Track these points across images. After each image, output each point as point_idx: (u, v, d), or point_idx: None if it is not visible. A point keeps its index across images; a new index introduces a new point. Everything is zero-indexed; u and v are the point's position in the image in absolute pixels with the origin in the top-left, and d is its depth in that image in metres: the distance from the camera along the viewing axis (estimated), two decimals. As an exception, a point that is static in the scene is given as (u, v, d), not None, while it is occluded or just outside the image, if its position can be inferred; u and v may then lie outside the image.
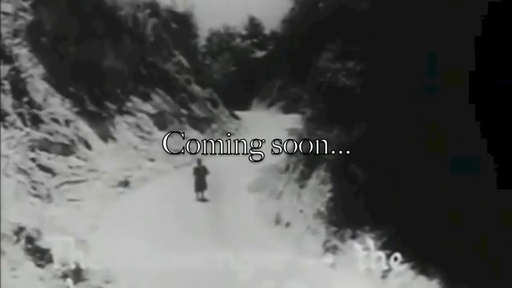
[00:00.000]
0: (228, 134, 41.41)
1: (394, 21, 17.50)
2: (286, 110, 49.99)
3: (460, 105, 15.07)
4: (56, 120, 25.97)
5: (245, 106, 54.57)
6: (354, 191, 17.95)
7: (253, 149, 34.96)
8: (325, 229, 18.83)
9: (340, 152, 18.91)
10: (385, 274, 16.01)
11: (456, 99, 15.22)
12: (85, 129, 28.39)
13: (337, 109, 19.57)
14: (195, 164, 26.53)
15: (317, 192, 20.37)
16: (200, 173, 25.93)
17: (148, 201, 24.08)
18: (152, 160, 31.22)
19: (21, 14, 25.46)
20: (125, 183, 26.57)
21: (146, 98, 36.07)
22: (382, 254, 16.45)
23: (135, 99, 34.91)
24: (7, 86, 22.72)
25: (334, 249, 18.00)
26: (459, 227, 14.33)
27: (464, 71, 14.96)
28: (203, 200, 25.30)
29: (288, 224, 21.02)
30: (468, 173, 14.48)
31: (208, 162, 33.40)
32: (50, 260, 15.88)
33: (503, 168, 14.18)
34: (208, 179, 25.83)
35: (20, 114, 23.50)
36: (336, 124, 19.40)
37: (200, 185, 25.79)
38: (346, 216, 18.18)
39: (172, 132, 35.82)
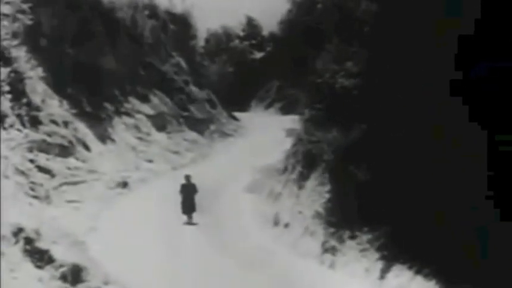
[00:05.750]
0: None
1: (392, 21, 17.53)
2: (285, 111, 50.06)
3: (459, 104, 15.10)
4: (54, 122, 25.97)
5: (243, 107, 54.60)
6: (352, 192, 17.97)
7: (252, 150, 35.13)
8: (323, 230, 18.85)
9: (339, 153, 18.95)
10: (383, 275, 16.05)
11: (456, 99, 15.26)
12: (83, 130, 28.40)
13: (335, 110, 19.58)
14: (183, 181, 23.33)
15: (315, 193, 20.38)
16: (188, 192, 22.92)
17: (146, 202, 24.10)
18: (151, 161, 31.25)
19: (20, 16, 25.46)
20: (124, 184, 26.58)
21: (144, 99, 36.10)
22: (380, 255, 16.52)
23: (133, 100, 34.93)
24: (6, 87, 22.71)
25: (332, 250, 18.02)
26: (458, 228, 14.36)
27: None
28: (191, 223, 22.52)
29: (286, 225, 21.03)
30: (467, 173, 14.51)
31: (207, 161, 33.64)
32: (49, 261, 15.91)
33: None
34: (208, 179, 25.54)
35: (19, 116, 23.52)
36: (335, 125, 19.42)
37: (187, 206, 22.80)
38: (344, 217, 18.20)
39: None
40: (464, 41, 14.89)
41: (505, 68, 14.42)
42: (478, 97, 14.64)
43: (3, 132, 21.70)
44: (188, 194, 22.91)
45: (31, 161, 22.93)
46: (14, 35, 24.67)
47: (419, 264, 15.14)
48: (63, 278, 15.62)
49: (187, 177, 23.38)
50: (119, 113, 32.87)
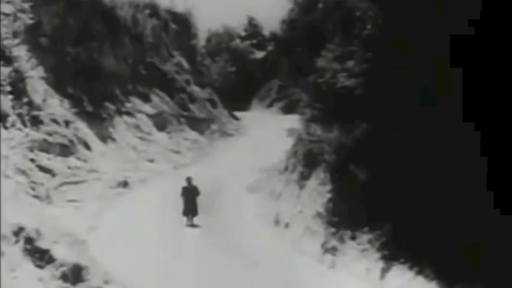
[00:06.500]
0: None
1: (393, 21, 17.52)
2: (286, 110, 50.07)
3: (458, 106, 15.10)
4: (55, 121, 25.98)
5: (244, 106, 54.62)
6: (353, 192, 17.96)
7: (253, 150, 35.13)
8: (324, 230, 18.83)
9: (340, 153, 18.93)
10: (383, 275, 16.03)
11: (455, 101, 15.25)
12: (84, 130, 28.42)
13: (336, 110, 19.57)
14: (184, 182, 22.81)
15: (316, 193, 20.37)
16: (190, 194, 22.40)
17: (147, 202, 24.09)
18: (151, 161, 31.25)
19: (21, 15, 25.46)
20: (124, 184, 26.57)
21: (145, 98, 36.12)
22: (380, 255, 16.51)
23: (134, 99, 34.95)
24: (7, 87, 22.72)
25: (333, 250, 18.01)
26: (458, 228, 14.35)
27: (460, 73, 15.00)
28: (193, 225, 22.15)
29: (287, 225, 21.03)
30: (467, 173, 14.50)
31: (208, 161, 33.62)
32: (49, 261, 15.90)
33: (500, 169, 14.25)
34: (208, 179, 25.46)
35: (20, 115, 23.52)
36: (336, 125, 19.41)
37: (189, 208, 22.32)
38: (345, 217, 18.19)
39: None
40: (464, 41, 14.90)
41: (504, 68, 14.43)
42: (478, 97, 14.64)
43: (4, 132, 21.68)
44: (190, 197, 22.43)
45: (32, 160, 22.94)
46: (15, 34, 24.67)
47: (420, 264, 15.12)
48: (64, 277, 15.62)
49: (189, 180, 22.84)
50: (119, 112, 32.88)
